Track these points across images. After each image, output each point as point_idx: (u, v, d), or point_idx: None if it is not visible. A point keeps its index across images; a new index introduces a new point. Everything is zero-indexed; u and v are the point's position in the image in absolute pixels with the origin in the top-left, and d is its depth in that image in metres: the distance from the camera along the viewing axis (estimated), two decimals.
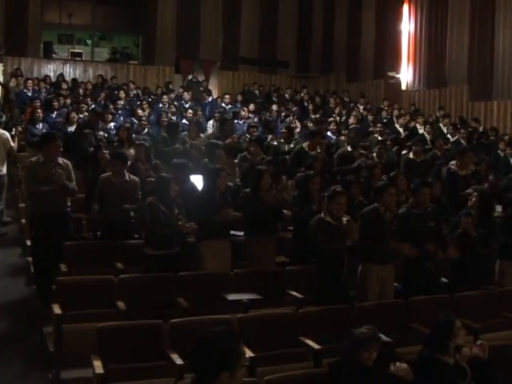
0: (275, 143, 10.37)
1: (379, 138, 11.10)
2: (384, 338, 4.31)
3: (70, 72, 17.48)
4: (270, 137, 10.93)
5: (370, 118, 14.19)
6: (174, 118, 12.26)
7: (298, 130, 12.39)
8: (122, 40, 20.93)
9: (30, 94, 13.51)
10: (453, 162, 8.92)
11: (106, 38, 21.03)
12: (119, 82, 16.24)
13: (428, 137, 11.68)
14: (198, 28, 18.47)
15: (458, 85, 15.22)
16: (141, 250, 6.10)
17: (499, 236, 6.59)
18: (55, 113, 11.49)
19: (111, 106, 12.51)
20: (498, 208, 7.49)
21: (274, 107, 14.70)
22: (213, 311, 5.07)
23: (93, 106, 12.44)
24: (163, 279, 5.72)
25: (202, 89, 16.38)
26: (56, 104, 11.66)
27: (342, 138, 11.27)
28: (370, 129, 12.61)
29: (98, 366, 4.26)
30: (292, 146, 10.14)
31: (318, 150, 9.15)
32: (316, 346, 4.74)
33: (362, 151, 9.57)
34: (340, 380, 3.87)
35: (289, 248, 6.86)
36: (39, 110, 10.55)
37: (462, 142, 11.68)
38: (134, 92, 15.11)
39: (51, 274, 6.02)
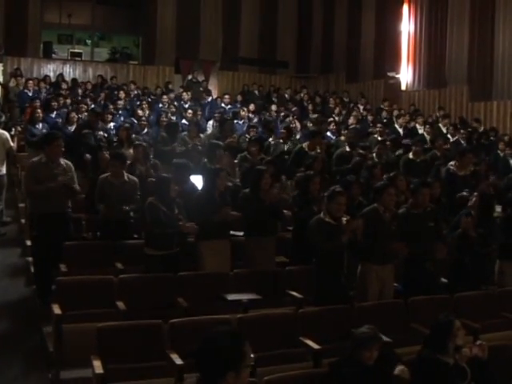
0: (273, 142, 10.39)
1: (379, 139, 11.11)
2: (384, 338, 4.31)
3: (69, 72, 17.49)
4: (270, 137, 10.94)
5: (369, 118, 14.19)
6: (173, 118, 12.26)
7: (298, 130, 12.39)
8: (121, 40, 20.94)
9: (30, 94, 13.50)
10: (452, 163, 8.92)
11: (106, 38, 21.05)
12: (119, 82, 16.25)
13: (428, 137, 11.68)
14: (198, 28, 18.48)
15: (457, 85, 15.22)
16: (140, 250, 6.10)
17: (499, 236, 6.60)
18: (55, 113, 11.48)
19: (111, 106, 12.51)
20: (498, 208, 7.50)
21: (274, 107, 14.70)
22: (212, 311, 5.07)
23: (92, 106, 12.44)
24: (163, 279, 5.72)
25: (201, 89, 16.39)
26: (55, 104, 11.66)
27: (342, 138, 11.27)
28: (370, 129, 12.61)
29: (98, 366, 4.26)
30: (291, 146, 10.17)
31: (318, 150, 9.16)
32: (316, 346, 4.74)
33: (361, 151, 9.58)
34: (341, 380, 3.88)
35: (288, 248, 6.86)
36: (39, 110, 10.54)
37: (462, 142, 11.69)
38: (135, 92, 15.11)
39: (51, 274, 6.03)
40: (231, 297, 5.53)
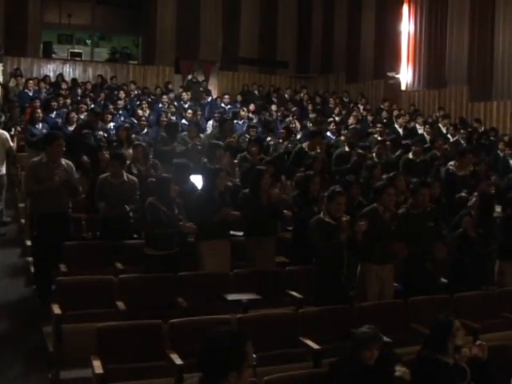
0: (272, 142, 10.40)
1: (379, 138, 11.11)
2: (383, 338, 4.31)
3: (69, 72, 17.49)
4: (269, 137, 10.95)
5: (369, 118, 14.19)
6: (173, 118, 12.26)
7: (298, 130, 12.39)
8: (121, 40, 20.94)
9: (31, 94, 13.49)
10: (451, 163, 8.93)
11: (106, 38, 21.04)
12: (119, 82, 16.25)
13: (427, 137, 11.68)
14: (198, 28, 18.48)
15: (457, 85, 15.22)
16: (140, 249, 6.10)
17: (499, 236, 6.60)
18: (54, 113, 11.48)
19: (111, 106, 12.51)
20: (498, 208, 7.50)
21: (274, 107, 14.71)
22: (212, 311, 5.07)
23: (92, 106, 12.44)
24: (163, 279, 5.72)
25: (201, 89, 16.39)
26: (55, 104, 11.66)
27: (342, 138, 11.28)
28: (370, 129, 12.61)
29: (98, 366, 4.26)
30: (291, 146, 10.17)
31: (318, 151, 9.16)
32: (315, 346, 4.74)
33: (360, 151, 9.59)
34: (341, 379, 3.88)
35: (288, 248, 6.86)
36: (39, 110, 10.54)
37: (462, 142, 11.69)
38: (136, 92, 15.11)
39: (51, 273, 6.03)
40: (231, 297, 5.53)
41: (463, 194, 7.91)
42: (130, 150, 8.08)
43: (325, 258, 5.43)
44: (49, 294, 5.90)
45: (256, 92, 17.37)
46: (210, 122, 12.76)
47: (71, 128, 10.03)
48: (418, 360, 4.09)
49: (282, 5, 19.79)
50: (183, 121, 12.20)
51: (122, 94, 13.87)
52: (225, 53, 18.93)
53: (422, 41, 16.31)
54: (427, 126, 12.39)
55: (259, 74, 19.54)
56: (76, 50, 19.08)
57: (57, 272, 5.95)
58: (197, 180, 6.99)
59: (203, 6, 18.61)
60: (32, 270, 6.96)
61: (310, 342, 4.80)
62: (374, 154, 9.61)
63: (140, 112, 11.72)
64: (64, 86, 14.85)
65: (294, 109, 14.67)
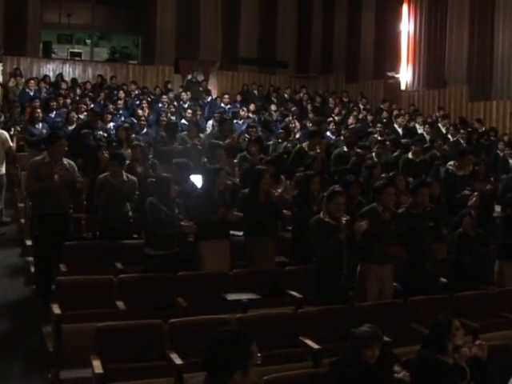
0: (271, 142, 10.40)
1: (379, 138, 11.11)
2: (383, 337, 4.31)
3: (69, 72, 17.49)
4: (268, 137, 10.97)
5: (369, 118, 14.20)
6: (173, 118, 12.26)
7: (297, 130, 12.38)
8: (121, 40, 20.94)
9: (32, 94, 13.47)
10: (451, 163, 8.93)
11: (106, 38, 21.04)
12: (118, 82, 16.24)
13: (427, 137, 11.69)
14: (198, 28, 18.48)
15: (457, 85, 15.23)
16: (140, 249, 6.10)
17: (498, 236, 6.60)
18: (54, 113, 11.48)
19: (111, 106, 12.51)
20: (497, 208, 7.50)
21: (273, 107, 14.71)
22: (212, 311, 5.08)
23: (91, 105, 12.44)
24: (163, 279, 5.72)
25: (201, 89, 16.40)
26: (54, 104, 11.66)
27: (342, 138, 11.28)
28: (370, 129, 12.61)
29: (98, 365, 4.26)
30: (290, 146, 10.18)
31: (318, 150, 9.16)
32: (315, 346, 4.74)
33: (358, 150, 9.60)
34: (341, 379, 3.87)
35: (288, 248, 6.86)
36: (39, 110, 10.53)
37: (462, 142, 11.69)
38: (136, 92, 15.11)
39: (51, 273, 6.03)
40: (231, 297, 5.53)
41: (466, 192, 7.91)
42: (129, 150, 8.09)
43: (325, 258, 5.43)
44: (49, 294, 5.90)
45: (256, 92, 17.37)
46: (210, 122, 12.75)
47: (71, 128, 10.03)
48: (418, 360, 4.09)
49: (282, 5, 19.79)
50: (183, 121, 12.20)
51: (121, 94, 13.87)
52: (224, 53, 18.93)
53: (421, 41, 16.32)
54: (427, 126, 12.39)
55: (259, 74, 19.54)
56: (76, 50, 19.09)
57: (56, 272, 5.96)
58: (197, 180, 6.99)
59: (203, 5, 18.60)
60: (32, 269, 6.96)
61: (309, 342, 4.80)
62: (373, 154, 9.62)
63: (140, 112, 11.73)
64: (64, 85, 14.84)
65: (293, 109, 14.68)
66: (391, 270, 5.88)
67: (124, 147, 8.48)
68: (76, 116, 10.55)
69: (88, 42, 19.97)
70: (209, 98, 15.57)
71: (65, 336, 4.97)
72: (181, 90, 15.59)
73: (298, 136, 11.76)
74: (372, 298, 5.70)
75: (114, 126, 10.85)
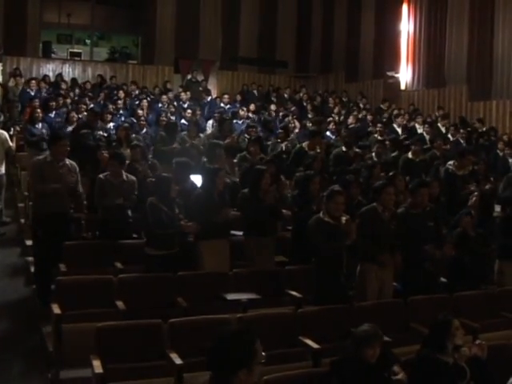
0: (270, 142, 10.40)
1: (379, 138, 11.12)
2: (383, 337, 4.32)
3: (69, 72, 17.49)
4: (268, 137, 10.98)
5: (369, 117, 14.20)
6: (172, 118, 12.26)
7: (296, 130, 12.39)
8: (121, 40, 20.94)
9: (32, 94, 13.47)
10: (450, 162, 8.94)
11: (105, 38, 21.05)
12: (118, 82, 16.24)
13: (427, 137, 11.69)
14: (198, 28, 18.48)
15: (457, 85, 15.23)
16: (140, 249, 6.11)
17: (498, 236, 6.60)
18: (54, 113, 11.48)
19: (110, 106, 12.50)
20: (497, 208, 7.50)
21: (273, 107, 14.71)
22: (212, 311, 5.08)
23: (91, 105, 12.44)
24: (162, 279, 5.72)
25: (201, 88, 16.40)
26: (54, 104, 11.66)
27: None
28: (370, 129, 12.62)
29: (98, 365, 4.26)
30: (290, 145, 10.18)
31: (318, 150, 9.16)
32: (315, 346, 4.74)
33: (357, 150, 9.61)
34: (342, 378, 3.87)
35: (288, 248, 6.86)
36: (38, 110, 10.54)
37: (462, 142, 11.70)
38: (136, 92, 15.11)
39: (51, 273, 6.03)
40: (231, 296, 5.53)
41: (471, 188, 7.91)
42: (129, 150, 8.09)
43: (324, 258, 5.43)
44: (49, 294, 5.90)
45: (255, 92, 17.36)
46: (210, 122, 12.76)
47: (71, 128, 10.03)
48: (418, 359, 4.09)
49: (282, 4, 19.79)
50: (182, 120, 12.20)
51: (121, 94, 13.87)
52: (224, 52, 18.93)
53: (421, 40, 16.33)
54: (426, 126, 12.40)
55: (259, 74, 19.54)
56: (75, 50, 19.08)
57: (56, 272, 5.95)
58: (196, 180, 6.99)
59: (203, 5, 18.61)
60: (32, 269, 6.96)
61: (309, 342, 4.80)
62: (373, 154, 9.62)
63: (140, 112, 11.73)
64: (63, 85, 14.84)
65: (293, 108, 14.68)
66: (391, 269, 5.88)
67: (123, 147, 8.48)
68: (76, 116, 10.55)
69: (88, 41, 19.96)
70: (208, 98, 15.57)
71: (65, 336, 4.96)
72: (180, 89, 15.59)
73: (293, 136, 11.73)
74: (372, 297, 5.70)
75: (113, 125, 10.85)
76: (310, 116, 14.35)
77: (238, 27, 19.24)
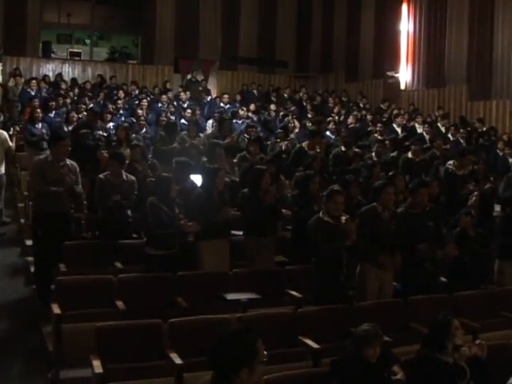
0: (270, 142, 10.40)
1: (379, 138, 11.12)
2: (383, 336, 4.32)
3: (68, 72, 17.49)
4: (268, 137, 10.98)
5: (369, 117, 14.20)
6: (172, 117, 12.26)
7: (296, 129, 12.39)
8: (120, 40, 20.94)
9: (33, 94, 13.47)
10: (450, 162, 8.93)
11: (105, 38, 21.04)
12: (118, 82, 16.24)
13: (427, 136, 11.69)
14: (197, 28, 18.48)
15: (456, 84, 15.23)
16: (140, 249, 6.11)
17: (498, 236, 6.60)
18: (53, 112, 11.48)
19: (110, 106, 12.50)
20: (497, 208, 7.50)
21: (273, 107, 14.70)
22: (212, 311, 5.07)
23: (91, 105, 12.44)
24: (162, 279, 5.72)
25: (200, 88, 16.40)
26: (53, 104, 11.65)
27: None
28: (370, 128, 12.62)
29: (97, 365, 4.26)
30: (290, 145, 10.18)
31: (318, 150, 9.16)
32: (315, 346, 4.74)
33: (356, 150, 9.60)
34: (343, 378, 3.87)
35: (288, 248, 6.86)
36: (38, 110, 10.54)
37: (462, 141, 11.70)
38: (136, 92, 15.11)
39: (51, 273, 6.03)
40: (231, 296, 5.53)
41: (471, 187, 7.91)
42: (129, 150, 8.09)
43: (324, 258, 5.43)
44: (49, 294, 5.90)
45: (255, 91, 17.36)
46: (210, 122, 12.76)
47: (70, 128, 10.03)
48: (418, 359, 4.09)
49: (282, 4, 19.78)
50: (182, 120, 12.21)
51: (121, 94, 13.87)
52: (224, 52, 18.92)
53: (421, 40, 16.32)
54: (426, 126, 12.40)
55: (258, 74, 19.53)
56: (75, 50, 19.07)
57: (56, 272, 5.95)
58: (196, 179, 6.99)
59: (202, 5, 18.60)
60: (32, 269, 6.96)
61: (309, 342, 4.80)
62: (373, 154, 9.62)
63: (140, 112, 11.73)
64: (63, 85, 14.84)
65: (292, 108, 14.68)
66: (391, 269, 5.88)
67: (123, 147, 8.48)
68: (76, 116, 10.55)
69: (87, 41, 19.96)
70: (208, 98, 15.57)
71: (65, 336, 4.96)
72: (180, 89, 15.59)
73: (292, 136, 11.74)
74: (371, 297, 5.70)
75: (113, 125, 10.85)
76: (309, 116, 14.35)
77: (238, 27, 19.24)
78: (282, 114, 14.22)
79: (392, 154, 9.95)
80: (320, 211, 5.63)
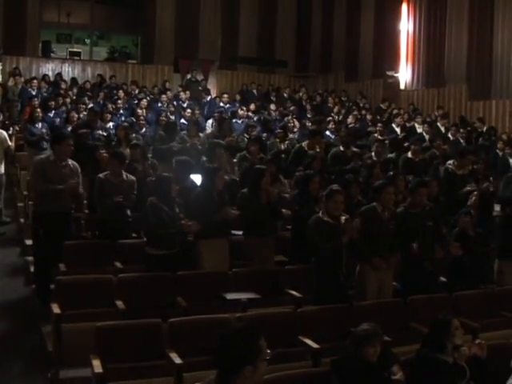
0: (269, 142, 10.40)
1: (379, 138, 11.11)
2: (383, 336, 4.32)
3: (68, 71, 17.49)
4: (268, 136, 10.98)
5: (368, 117, 14.20)
6: (172, 117, 12.26)
7: (296, 129, 12.38)
8: (120, 39, 20.95)
9: (34, 93, 13.46)
10: (450, 162, 8.93)
11: (105, 38, 21.05)
12: (118, 82, 16.24)
13: (426, 136, 11.69)
14: (197, 28, 18.48)
15: (456, 84, 15.23)
16: (139, 249, 6.11)
17: (498, 235, 6.60)
18: (53, 112, 11.48)
19: (110, 106, 12.50)
20: (497, 207, 7.50)
21: (272, 107, 14.70)
22: (212, 310, 5.08)
23: (90, 105, 12.44)
24: (162, 278, 5.72)
25: (200, 88, 16.40)
26: (52, 104, 11.65)
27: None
28: (370, 128, 12.61)
29: (97, 365, 4.26)
30: (289, 145, 10.18)
31: (317, 150, 9.16)
32: (315, 346, 4.74)
33: (355, 149, 9.59)
34: (343, 378, 3.88)
35: (288, 247, 6.86)
36: (38, 110, 10.54)
37: (461, 141, 11.69)
38: (136, 92, 15.11)
39: (51, 273, 6.02)
40: (230, 296, 5.53)
41: (469, 188, 7.91)
42: (128, 150, 8.08)
43: (324, 258, 5.43)
44: (48, 294, 5.89)
45: (255, 91, 17.36)
46: (210, 121, 12.76)
47: (70, 128, 10.03)
48: (417, 359, 4.09)
49: (282, 4, 19.78)
50: (182, 120, 12.20)
51: (121, 94, 13.87)
52: (224, 52, 18.92)
53: (421, 40, 16.32)
54: (426, 125, 12.39)
55: (258, 73, 19.54)
56: (75, 50, 19.07)
57: (56, 271, 5.95)
58: (196, 179, 6.99)
59: (202, 5, 18.60)
60: (31, 269, 6.96)
61: (309, 341, 4.80)
62: (372, 153, 9.62)
63: (140, 111, 11.73)
64: (63, 85, 14.84)
65: (292, 108, 14.67)
66: (390, 269, 5.88)
67: (123, 146, 8.47)
68: (76, 115, 10.55)
69: (87, 41, 19.96)
70: (208, 98, 15.57)
71: (64, 335, 4.96)
72: (180, 89, 15.59)
73: (296, 136, 11.75)
74: (371, 297, 5.70)
75: (113, 125, 10.85)
76: (309, 116, 14.34)
77: (238, 27, 19.24)
78: (280, 113, 14.20)
79: (390, 155, 9.93)
80: (320, 211, 5.63)
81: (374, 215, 5.77)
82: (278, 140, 10.46)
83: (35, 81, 14.07)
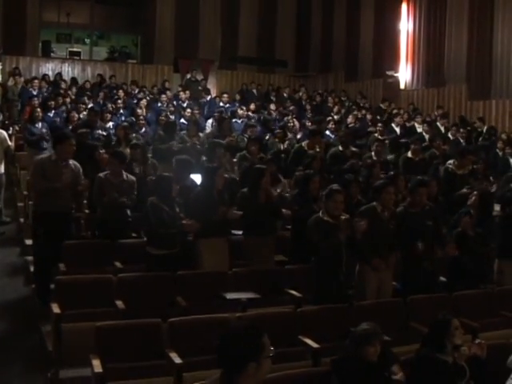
0: (269, 142, 10.40)
1: (379, 138, 11.11)
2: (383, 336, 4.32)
3: (68, 71, 17.50)
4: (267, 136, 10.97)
5: (368, 117, 14.20)
6: (172, 117, 12.26)
7: (296, 129, 12.39)
8: (120, 39, 20.94)
9: (34, 93, 13.46)
10: (450, 161, 8.93)
11: (105, 37, 21.05)
12: (118, 81, 16.24)
13: (426, 136, 11.69)
14: (197, 27, 18.48)
15: (456, 84, 15.23)
16: (139, 248, 6.11)
17: (498, 235, 6.59)
18: (53, 112, 11.48)
19: (109, 105, 12.50)
20: (496, 207, 7.50)
21: (272, 106, 14.71)
22: (211, 310, 5.08)
23: (90, 105, 12.44)
24: (162, 278, 5.72)
25: (200, 88, 16.40)
26: (53, 103, 11.64)
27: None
28: (370, 128, 12.62)
29: (97, 365, 4.26)
30: (289, 145, 10.18)
31: (317, 149, 9.16)
32: (315, 345, 4.74)
33: (354, 149, 9.59)
34: (343, 377, 3.88)
35: (288, 247, 6.85)
36: (38, 109, 10.54)
37: (461, 141, 11.69)
38: (136, 91, 15.11)
39: (51, 273, 6.02)
40: (230, 296, 5.53)
41: (465, 190, 7.91)
42: (128, 149, 8.08)
43: (324, 257, 5.43)
44: (48, 294, 5.89)
45: (255, 91, 17.36)
46: (209, 121, 12.76)
47: (71, 127, 10.03)
48: (417, 359, 4.09)
49: (281, 4, 19.79)
50: (182, 120, 12.20)
51: (121, 93, 13.87)
52: (224, 52, 18.92)
53: (420, 39, 16.32)
54: (425, 125, 12.39)
55: (258, 73, 19.54)
56: (75, 49, 19.08)
57: (56, 271, 5.95)
58: (196, 179, 6.99)
59: (202, 5, 18.61)
60: (31, 269, 6.96)
61: (309, 341, 4.80)
62: (372, 153, 9.62)
63: (139, 111, 11.73)
64: (63, 85, 14.84)
65: (291, 107, 14.67)
66: (390, 269, 5.88)
67: (122, 146, 8.47)
68: (76, 115, 10.55)
69: (87, 41, 19.97)
70: (208, 97, 15.57)
71: (64, 335, 4.96)
72: (180, 89, 15.59)
73: (299, 136, 11.76)
74: (371, 296, 5.70)
75: (113, 125, 10.85)
76: (309, 115, 14.34)
77: (238, 27, 19.24)
78: (280, 113, 14.20)
79: (389, 157, 9.93)
80: (320, 211, 5.63)
81: (374, 215, 5.77)
82: (277, 140, 10.46)
83: (36, 81, 14.07)
